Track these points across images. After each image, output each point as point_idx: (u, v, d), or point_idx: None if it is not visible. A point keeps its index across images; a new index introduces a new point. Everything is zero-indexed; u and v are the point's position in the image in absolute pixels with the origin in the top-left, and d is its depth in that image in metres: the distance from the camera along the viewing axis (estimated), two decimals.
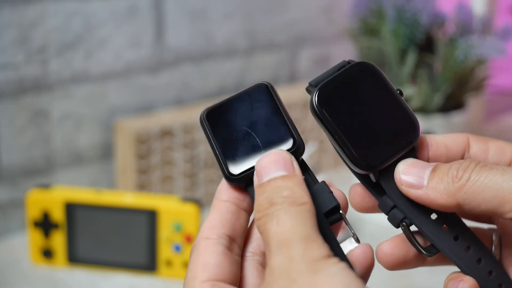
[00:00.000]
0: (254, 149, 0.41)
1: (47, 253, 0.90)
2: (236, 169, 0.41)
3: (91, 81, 1.00)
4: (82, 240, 0.90)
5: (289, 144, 0.41)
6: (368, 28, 1.04)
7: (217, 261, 0.38)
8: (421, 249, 0.43)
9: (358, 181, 0.45)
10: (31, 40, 0.94)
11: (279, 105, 0.42)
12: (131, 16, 1.01)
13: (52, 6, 0.95)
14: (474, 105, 1.27)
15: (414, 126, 0.43)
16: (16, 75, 0.94)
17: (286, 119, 0.42)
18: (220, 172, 0.42)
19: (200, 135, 1.03)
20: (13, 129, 0.96)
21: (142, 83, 1.05)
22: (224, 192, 0.41)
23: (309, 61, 1.22)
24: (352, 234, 0.41)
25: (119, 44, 1.01)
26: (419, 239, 0.44)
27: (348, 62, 0.44)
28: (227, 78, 1.13)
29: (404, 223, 0.43)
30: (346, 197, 0.42)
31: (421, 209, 0.42)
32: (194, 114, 1.04)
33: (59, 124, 0.99)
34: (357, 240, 0.40)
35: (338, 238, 0.40)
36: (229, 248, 0.39)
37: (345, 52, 1.23)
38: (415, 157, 0.43)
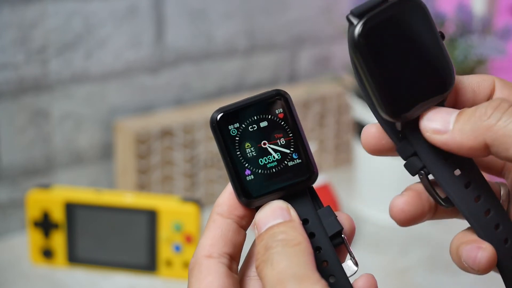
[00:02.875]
0: (272, 172, 0.40)
1: (47, 253, 0.90)
2: (255, 190, 0.40)
3: (91, 81, 1.00)
4: (82, 240, 0.90)
5: (304, 173, 0.40)
6: None
7: (223, 284, 0.39)
8: (439, 200, 0.42)
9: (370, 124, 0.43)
10: (31, 40, 0.94)
11: (298, 125, 0.41)
12: (131, 16, 1.01)
13: (52, 6, 0.95)
14: None
15: (451, 76, 0.40)
16: (16, 75, 0.94)
17: (304, 143, 0.41)
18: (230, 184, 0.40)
19: (200, 135, 1.03)
20: (13, 129, 0.96)
21: (142, 83, 1.05)
22: (227, 208, 0.41)
23: (309, 61, 1.22)
24: (350, 258, 0.41)
25: (119, 44, 1.01)
26: (436, 190, 0.42)
27: None
28: (227, 78, 1.13)
29: (423, 172, 0.41)
30: (353, 220, 0.42)
31: (444, 162, 0.41)
32: (194, 114, 1.04)
33: (59, 124, 0.99)
34: (356, 264, 0.40)
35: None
36: (230, 267, 0.40)
37: (345, 52, 1.23)
38: (443, 105, 0.41)
